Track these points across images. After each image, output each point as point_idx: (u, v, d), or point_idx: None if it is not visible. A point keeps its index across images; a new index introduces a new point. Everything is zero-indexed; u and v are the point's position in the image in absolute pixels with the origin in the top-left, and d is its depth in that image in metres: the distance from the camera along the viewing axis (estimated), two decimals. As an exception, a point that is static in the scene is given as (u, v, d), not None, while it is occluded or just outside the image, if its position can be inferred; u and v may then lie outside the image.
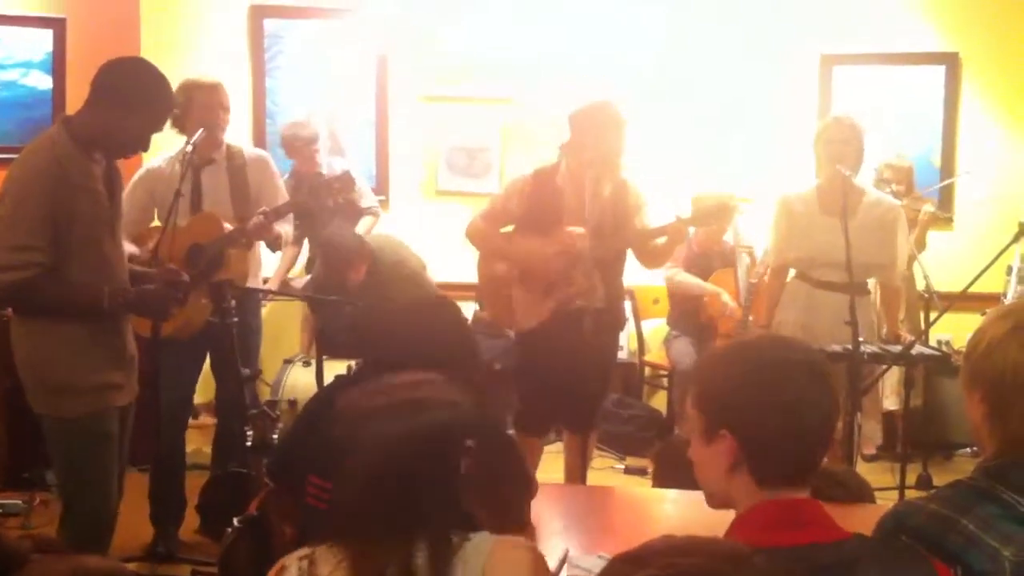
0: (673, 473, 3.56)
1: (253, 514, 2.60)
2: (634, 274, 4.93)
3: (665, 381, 6.28)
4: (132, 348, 3.48)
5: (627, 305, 5.62)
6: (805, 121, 5.77)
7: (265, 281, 5.24)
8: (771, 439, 1.64)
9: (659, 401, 6.43)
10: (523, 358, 4.67)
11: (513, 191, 4.57)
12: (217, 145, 4.46)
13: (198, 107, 4.35)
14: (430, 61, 6.47)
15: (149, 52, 5.86)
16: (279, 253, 5.33)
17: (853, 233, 4.20)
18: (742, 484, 1.67)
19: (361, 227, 5.89)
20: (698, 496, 1.80)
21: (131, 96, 3.27)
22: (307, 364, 5.23)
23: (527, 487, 2.65)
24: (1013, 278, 5.55)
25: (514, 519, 2.26)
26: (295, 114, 6.19)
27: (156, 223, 4.47)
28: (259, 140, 6.45)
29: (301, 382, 5.09)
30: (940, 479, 5.00)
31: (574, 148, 4.42)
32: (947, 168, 6.27)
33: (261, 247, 4.64)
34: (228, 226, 4.32)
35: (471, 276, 4.89)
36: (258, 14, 6.54)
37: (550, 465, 4.91)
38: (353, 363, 4.66)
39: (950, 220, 6.26)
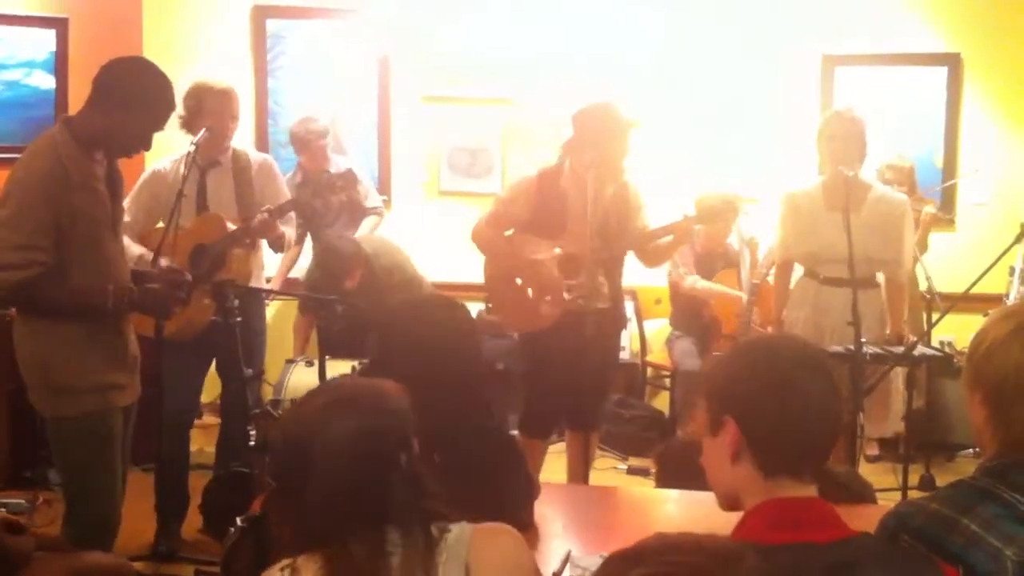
0: (675, 473, 3.56)
1: (256, 514, 2.60)
2: (636, 274, 4.94)
3: (667, 381, 6.28)
4: (135, 348, 3.49)
5: (630, 305, 5.63)
6: (806, 122, 5.75)
7: (267, 281, 5.25)
8: (771, 424, 1.66)
9: (661, 401, 6.43)
10: (527, 360, 4.67)
11: (518, 192, 4.57)
12: (223, 150, 4.46)
13: (208, 112, 4.34)
14: (432, 61, 6.47)
15: (151, 52, 5.87)
16: (280, 255, 5.34)
17: (859, 228, 4.21)
18: (747, 474, 1.68)
19: (365, 227, 5.89)
20: (700, 496, 1.81)
21: (132, 96, 3.27)
22: (310, 364, 5.23)
23: (530, 489, 2.65)
24: (1015, 279, 5.54)
25: (517, 521, 2.26)
26: (297, 114, 6.19)
27: (161, 224, 4.47)
28: (261, 140, 6.46)
29: (304, 382, 5.08)
30: (942, 480, 5.00)
31: (575, 148, 4.43)
32: (949, 169, 6.27)
33: (264, 248, 4.65)
34: (232, 227, 4.33)
35: (473, 276, 4.89)
36: (260, 14, 6.55)
37: (552, 465, 4.91)
38: (357, 363, 4.67)
39: (952, 221, 6.26)
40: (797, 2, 6.31)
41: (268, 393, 5.37)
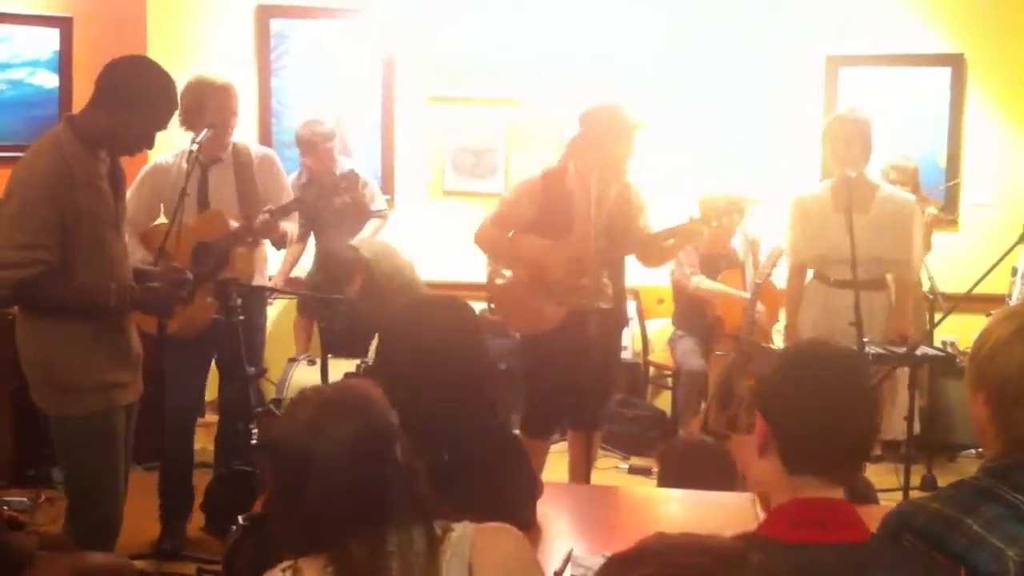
0: (677, 473, 3.57)
1: (258, 513, 2.60)
2: (639, 274, 4.93)
3: (670, 381, 6.27)
4: (137, 346, 3.49)
5: (632, 305, 5.62)
6: (810, 122, 5.76)
7: (270, 279, 5.25)
8: (793, 419, 1.73)
9: (664, 401, 6.42)
10: (529, 359, 4.67)
11: (523, 193, 4.55)
12: (224, 146, 4.46)
13: (209, 109, 4.31)
14: (436, 62, 6.47)
15: (155, 51, 5.89)
16: (283, 252, 5.34)
17: (867, 228, 4.21)
18: (773, 467, 1.75)
19: (368, 229, 5.89)
20: (702, 496, 1.83)
21: (135, 95, 3.28)
22: (312, 363, 5.24)
23: (534, 488, 2.66)
24: (1018, 279, 5.54)
25: (520, 520, 2.26)
26: (301, 114, 6.19)
27: (162, 220, 4.47)
28: (265, 140, 6.46)
29: (306, 381, 5.09)
30: (944, 480, 4.99)
31: (580, 148, 4.43)
32: (952, 169, 6.26)
33: (266, 246, 4.65)
34: (234, 224, 4.33)
35: (477, 276, 4.89)
36: (264, 14, 6.55)
37: (554, 465, 4.91)
38: (359, 362, 4.67)
39: (955, 221, 6.25)
40: (800, 2, 6.30)
41: (270, 391, 5.38)
